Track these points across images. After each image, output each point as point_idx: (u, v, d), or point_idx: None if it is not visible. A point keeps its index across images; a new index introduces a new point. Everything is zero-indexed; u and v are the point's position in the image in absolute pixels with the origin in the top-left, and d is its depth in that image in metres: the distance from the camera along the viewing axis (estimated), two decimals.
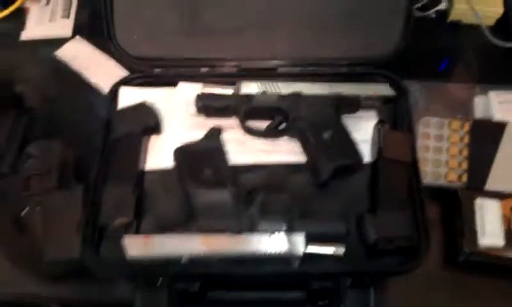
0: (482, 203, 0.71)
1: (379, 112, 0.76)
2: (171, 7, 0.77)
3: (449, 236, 0.72)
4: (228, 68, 0.79)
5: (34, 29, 0.99)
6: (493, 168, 0.73)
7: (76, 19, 0.99)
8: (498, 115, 0.80)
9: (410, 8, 0.74)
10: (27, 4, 1.02)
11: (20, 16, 1.00)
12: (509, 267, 0.69)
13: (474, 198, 0.71)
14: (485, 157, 0.74)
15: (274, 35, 0.77)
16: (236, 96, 0.74)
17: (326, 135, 0.69)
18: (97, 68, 0.92)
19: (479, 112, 0.82)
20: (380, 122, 0.73)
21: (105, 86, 0.88)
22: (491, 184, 0.72)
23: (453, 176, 0.74)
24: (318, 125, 0.70)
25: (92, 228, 0.67)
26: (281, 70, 0.79)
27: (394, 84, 0.75)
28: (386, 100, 0.75)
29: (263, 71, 0.78)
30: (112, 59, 0.91)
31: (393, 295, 0.69)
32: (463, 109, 0.83)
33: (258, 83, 0.75)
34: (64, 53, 0.94)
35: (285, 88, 0.74)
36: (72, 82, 0.91)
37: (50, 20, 1.00)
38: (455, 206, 0.73)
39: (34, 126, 0.85)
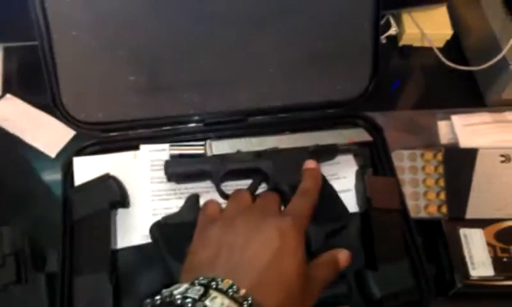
0: (465, 233, 0.71)
1: (356, 156, 0.73)
2: (123, 66, 0.70)
3: (436, 268, 0.72)
4: (193, 124, 0.74)
5: None
6: (470, 196, 0.74)
7: (4, 74, 0.89)
8: (463, 139, 0.81)
9: (377, 46, 0.72)
10: None
11: None
12: (499, 293, 0.70)
13: (458, 229, 0.71)
14: (461, 185, 0.75)
15: (239, 86, 0.73)
16: (208, 159, 0.69)
17: None
18: (37, 129, 0.83)
19: (443, 137, 0.83)
20: (362, 168, 0.71)
21: (50, 149, 0.81)
22: (472, 212, 0.73)
23: (433, 208, 0.74)
24: None
25: None
26: (251, 120, 0.74)
27: (369, 125, 0.74)
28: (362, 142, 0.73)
29: (231, 124, 0.74)
30: (52, 117, 0.83)
31: None
32: (428, 136, 0.83)
33: (230, 140, 0.70)
34: None
35: (258, 143, 0.70)
36: (10, 148, 0.81)
37: None
38: (438, 239, 0.72)
39: None
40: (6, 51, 0.91)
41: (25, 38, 0.83)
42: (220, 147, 0.69)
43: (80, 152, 0.72)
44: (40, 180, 0.79)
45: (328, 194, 0.67)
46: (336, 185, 0.69)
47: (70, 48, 0.69)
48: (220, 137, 0.71)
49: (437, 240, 0.73)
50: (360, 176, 0.69)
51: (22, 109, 0.85)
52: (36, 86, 0.83)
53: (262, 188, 0.71)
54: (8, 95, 0.86)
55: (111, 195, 0.67)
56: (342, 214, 0.67)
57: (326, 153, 0.71)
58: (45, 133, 0.82)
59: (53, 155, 0.80)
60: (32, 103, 0.85)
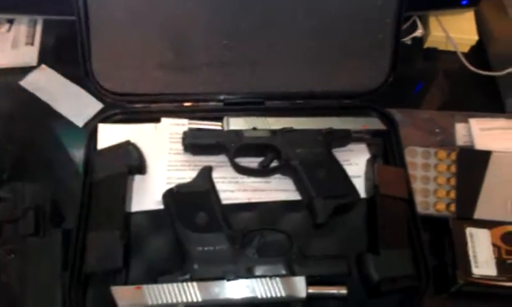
0: (472, 232, 0.72)
1: (369, 145, 0.75)
2: (153, 42, 0.73)
3: (439, 265, 0.72)
4: (213, 102, 0.76)
5: None
6: (480, 197, 0.74)
7: (41, 46, 0.93)
8: (479, 142, 0.81)
9: (398, 42, 0.74)
10: None
11: None
12: (500, 294, 0.70)
13: (464, 228, 0.72)
14: (472, 186, 0.75)
15: (260, 69, 0.75)
16: (225, 132, 0.72)
17: (321, 173, 0.68)
18: (67, 98, 0.86)
19: (460, 139, 0.83)
20: (373, 157, 0.72)
21: (78, 119, 0.84)
22: (480, 213, 0.73)
23: (441, 206, 0.74)
24: (311, 163, 0.69)
25: (77, 278, 0.63)
26: (268, 104, 0.76)
27: (384, 117, 0.75)
28: (375, 132, 0.74)
29: (250, 106, 0.76)
30: (82, 89, 0.86)
31: None
32: (444, 136, 0.84)
33: (246, 118, 0.73)
34: (30, 83, 0.88)
35: (274, 123, 0.73)
36: (41, 114, 0.85)
37: (13, 47, 0.93)
38: (445, 236, 0.73)
39: (2, 165, 0.78)
40: (45, 24, 0.95)
41: (64, 12, 0.88)
42: (237, 123, 0.72)
43: (106, 120, 0.76)
44: (66, 147, 0.82)
45: (337, 172, 0.69)
46: (348, 170, 0.71)
47: (104, 22, 0.73)
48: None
49: (443, 237, 0.73)
50: (371, 163, 0.71)
51: (54, 80, 0.89)
52: (70, 59, 0.87)
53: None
54: (43, 65, 0.90)
55: (130, 160, 0.70)
56: (350, 192, 0.69)
57: (340, 137, 0.73)
58: (75, 104, 0.85)
59: (80, 124, 0.83)
60: (65, 75, 0.89)
